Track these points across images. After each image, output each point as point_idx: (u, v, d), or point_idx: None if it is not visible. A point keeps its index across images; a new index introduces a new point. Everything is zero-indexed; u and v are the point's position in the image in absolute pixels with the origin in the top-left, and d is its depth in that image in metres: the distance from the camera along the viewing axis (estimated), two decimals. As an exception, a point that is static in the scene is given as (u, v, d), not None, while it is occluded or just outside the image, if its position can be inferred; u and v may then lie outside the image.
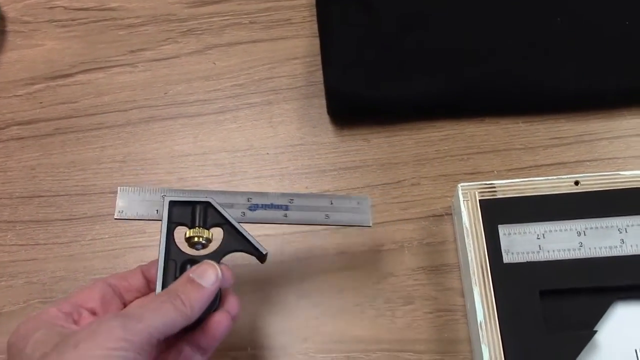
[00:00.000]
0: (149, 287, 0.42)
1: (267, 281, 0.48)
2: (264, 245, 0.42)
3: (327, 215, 0.45)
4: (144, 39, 0.59)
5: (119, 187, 0.44)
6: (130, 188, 0.44)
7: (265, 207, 0.45)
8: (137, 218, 0.44)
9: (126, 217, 0.44)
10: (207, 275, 0.39)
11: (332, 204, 0.45)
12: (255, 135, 0.54)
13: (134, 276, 0.42)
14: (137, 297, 0.42)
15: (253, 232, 0.42)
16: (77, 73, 0.57)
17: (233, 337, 0.46)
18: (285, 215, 0.44)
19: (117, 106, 0.56)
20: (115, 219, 0.43)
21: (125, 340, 0.33)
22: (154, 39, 0.59)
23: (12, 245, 0.51)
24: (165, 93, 0.56)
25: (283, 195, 0.45)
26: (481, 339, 0.41)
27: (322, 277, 0.48)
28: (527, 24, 0.54)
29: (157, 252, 0.41)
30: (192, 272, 0.39)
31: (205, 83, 0.56)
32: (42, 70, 0.58)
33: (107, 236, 0.51)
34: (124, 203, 0.44)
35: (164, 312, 0.36)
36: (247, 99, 0.55)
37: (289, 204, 0.45)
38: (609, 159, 0.50)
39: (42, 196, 0.52)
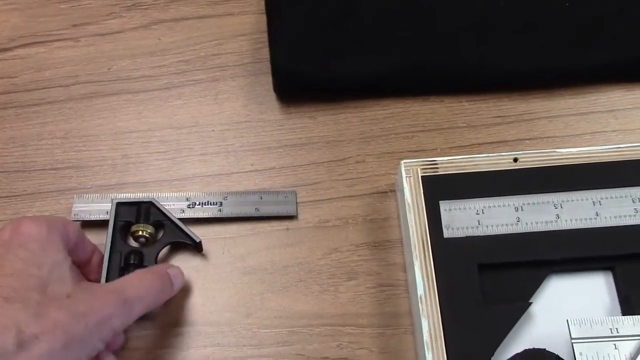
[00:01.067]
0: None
1: (212, 258, 0.48)
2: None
3: (257, 208, 0.49)
4: (87, 12, 0.57)
5: (75, 195, 0.50)
6: (85, 195, 0.50)
7: (202, 204, 0.49)
8: (90, 219, 0.49)
9: (81, 219, 0.49)
10: (178, 280, 0.45)
11: (261, 198, 0.50)
12: (200, 112, 0.53)
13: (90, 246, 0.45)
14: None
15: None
16: (16, 47, 0.56)
17: (178, 314, 0.47)
18: (220, 210, 0.49)
19: (59, 81, 0.55)
20: (72, 220, 0.48)
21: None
22: (98, 13, 0.57)
23: (-51, 222, 0.50)
24: (109, 69, 0.55)
25: (218, 193, 0.50)
26: (421, 312, 0.42)
27: (267, 254, 0.48)
28: (471, 4, 0.55)
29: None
30: (170, 269, 0.45)
31: (150, 59, 0.56)
32: (-21, 43, 0.56)
33: (47, 213, 0.50)
34: (79, 208, 0.49)
35: (153, 295, 0.42)
36: (193, 76, 0.55)
37: (223, 200, 0.49)
38: (548, 137, 0.52)
39: (-21, 173, 0.51)
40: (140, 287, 0.41)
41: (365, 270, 0.48)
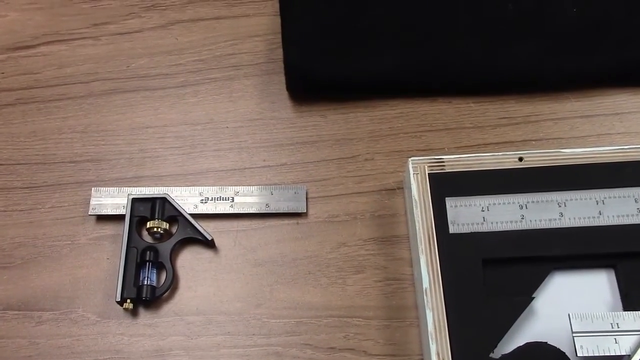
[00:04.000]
0: None
1: (223, 250, 0.50)
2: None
3: (267, 204, 0.51)
4: (107, 12, 0.59)
5: (92, 188, 0.51)
6: (102, 189, 0.51)
7: (214, 199, 0.51)
8: (107, 213, 0.50)
9: (98, 214, 0.51)
10: None
11: (272, 194, 0.51)
12: (215, 109, 0.55)
13: None
14: None
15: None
16: (39, 45, 0.58)
17: (189, 303, 0.48)
18: (232, 207, 0.50)
19: (79, 78, 0.57)
20: (89, 214, 0.50)
21: None
22: (118, 13, 0.59)
23: (-29, 212, 0.51)
24: (128, 66, 0.57)
25: (230, 189, 0.51)
26: (426, 304, 0.43)
27: (277, 247, 0.50)
28: (480, 6, 0.56)
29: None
30: None
31: (167, 57, 0.57)
32: (4, 41, 0.58)
33: (66, 204, 0.51)
34: (96, 202, 0.51)
35: None
36: (209, 74, 0.57)
37: (234, 195, 0.51)
38: (554, 138, 0.53)
39: (2, 164, 0.53)
40: None
41: (372, 264, 0.49)
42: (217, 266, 0.49)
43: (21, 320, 0.48)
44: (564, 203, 0.47)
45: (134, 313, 0.48)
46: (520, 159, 0.48)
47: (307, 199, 0.51)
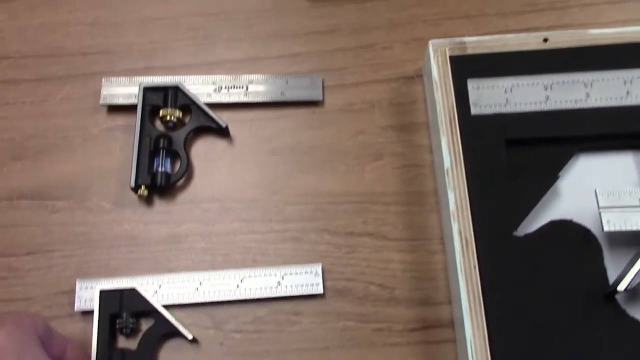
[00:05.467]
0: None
1: (238, 139, 0.49)
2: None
3: (282, 92, 0.49)
4: None
5: (103, 78, 0.50)
6: (113, 79, 0.50)
7: (228, 88, 0.49)
8: (118, 103, 0.49)
9: (109, 103, 0.50)
10: None
11: (287, 82, 0.50)
12: (227, -1, 0.53)
13: (59, 342, 0.40)
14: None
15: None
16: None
17: (204, 191, 0.47)
18: (246, 95, 0.49)
19: (86, -30, 0.55)
20: (101, 105, 0.49)
21: None
22: None
23: (-19, 104, 0.50)
24: (136, -42, 0.55)
25: (244, 77, 0.50)
26: (447, 185, 0.42)
27: (293, 136, 0.49)
28: None
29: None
30: None
31: (176, -52, 0.55)
32: None
33: (77, 96, 0.50)
34: (107, 92, 0.49)
35: None
36: (220, -35, 0.55)
37: (249, 84, 0.49)
38: (580, 24, 0.51)
39: (10, 57, 0.52)
40: None
41: (390, 151, 0.48)
42: (232, 155, 0.48)
43: (35, 209, 0.47)
44: (590, 84, 0.45)
45: (149, 201, 0.47)
46: (545, 40, 0.46)
47: (323, 87, 0.49)
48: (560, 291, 0.40)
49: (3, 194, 0.47)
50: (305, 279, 0.44)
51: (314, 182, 0.47)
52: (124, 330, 0.43)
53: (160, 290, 0.44)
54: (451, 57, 0.46)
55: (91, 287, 0.44)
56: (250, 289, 0.44)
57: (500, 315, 0.39)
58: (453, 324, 0.43)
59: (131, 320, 0.43)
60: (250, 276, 0.44)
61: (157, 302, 0.43)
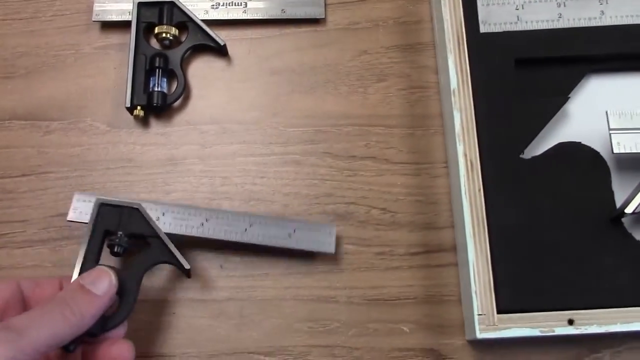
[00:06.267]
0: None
1: (237, 59, 0.47)
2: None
3: (283, 9, 0.47)
4: None
5: None
6: None
7: (225, 4, 0.47)
8: (112, 19, 0.48)
9: (102, 20, 0.47)
10: (100, 282, 0.36)
11: None
12: None
13: (49, 285, 0.38)
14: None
15: None
16: None
17: (201, 112, 0.46)
18: (245, 12, 0.47)
19: None
20: (93, 21, 0.48)
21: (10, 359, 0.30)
22: None
23: (-32, 21, 0.48)
24: None
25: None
26: (454, 105, 0.41)
27: (294, 55, 0.47)
28: None
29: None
30: (83, 278, 0.36)
31: None
32: None
33: (68, 12, 0.48)
34: (100, 7, 0.47)
35: (51, 323, 0.33)
36: None
37: (247, 0, 0.48)
38: (596, -61, 0.48)
39: (-3, -29, 0.49)
40: (39, 327, 0.33)
41: (395, 72, 0.46)
42: (231, 75, 0.47)
43: (28, 130, 0.46)
44: (606, 0, 0.43)
45: (145, 123, 0.46)
46: (560, -45, 0.44)
47: (325, 4, 0.47)
48: (566, 214, 0.40)
49: (-5, 115, 0.46)
50: (318, 236, 0.41)
51: (316, 104, 0.46)
52: (116, 249, 0.39)
53: (163, 218, 0.41)
54: (460, -28, 0.44)
55: (89, 201, 0.41)
56: (259, 235, 0.41)
57: (503, 238, 0.39)
58: (455, 248, 0.42)
59: (125, 239, 0.40)
60: (260, 223, 0.41)
61: (159, 227, 0.40)
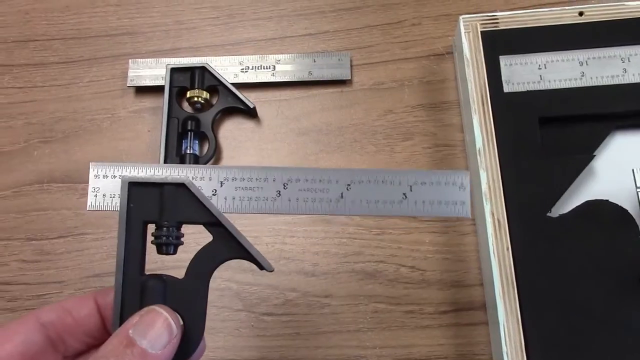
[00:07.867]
0: (104, 328, 0.30)
1: (266, 120, 0.48)
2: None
3: (310, 72, 0.49)
4: None
5: (130, 60, 0.50)
6: (140, 61, 0.50)
7: (255, 68, 0.49)
8: (145, 84, 0.49)
9: (136, 85, 0.49)
10: (155, 334, 0.26)
11: (315, 61, 0.49)
12: (252, -22, 0.52)
13: (82, 307, 0.30)
14: (86, 343, 0.30)
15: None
16: None
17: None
18: (273, 75, 0.49)
19: (110, -50, 0.54)
20: (128, 86, 0.49)
21: None
22: None
23: (10, 88, 0.50)
24: (159, -63, 0.54)
25: (271, 57, 0.49)
26: (479, 165, 0.42)
27: (321, 116, 0.48)
28: None
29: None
30: (133, 326, 0.26)
31: None
32: None
33: (104, 78, 0.50)
34: (134, 73, 0.49)
35: None
36: (244, -58, 0.54)
37: (276, 64, 0.49)
38: (616, -3, 0.49)
39: (37, 40, 0.52)
40: None
41: (421, 130, 0.47)
42: (260, 136, 0.48)
43: (65, 192, 0.47)
44: (628, 58, 0.44)
45: (177, 184, 0.47)
46: (581, 14, 0.45)
47: (351, 66, 0.49)
48: (595, 274, 0.40)
49: (34, 178, 0.48)
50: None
51: (344, 163, 0.46)
52: (165, 249, 0.31)
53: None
54: (483, 33, 0.44)
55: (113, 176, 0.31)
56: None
57: (533, 298, 0.39)
58: (485, 306, 0.43)
59: (175, 232, 0.30)
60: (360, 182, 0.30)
61: (217, 210, 0.31)
